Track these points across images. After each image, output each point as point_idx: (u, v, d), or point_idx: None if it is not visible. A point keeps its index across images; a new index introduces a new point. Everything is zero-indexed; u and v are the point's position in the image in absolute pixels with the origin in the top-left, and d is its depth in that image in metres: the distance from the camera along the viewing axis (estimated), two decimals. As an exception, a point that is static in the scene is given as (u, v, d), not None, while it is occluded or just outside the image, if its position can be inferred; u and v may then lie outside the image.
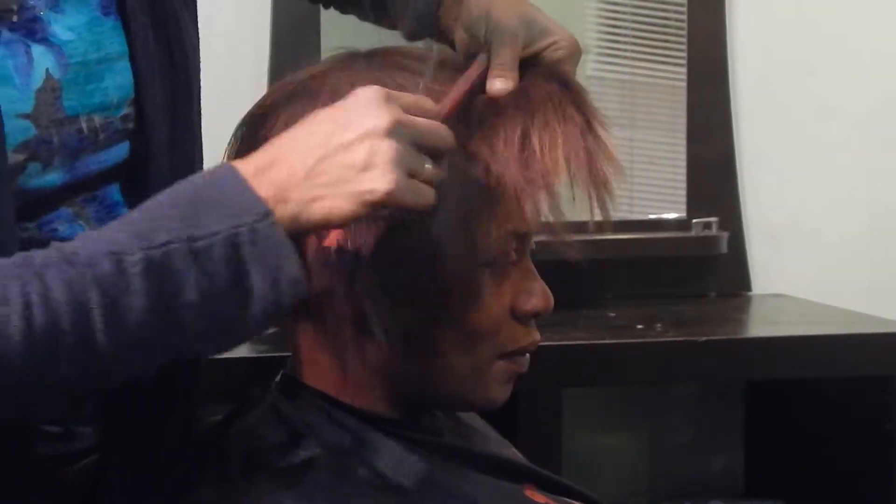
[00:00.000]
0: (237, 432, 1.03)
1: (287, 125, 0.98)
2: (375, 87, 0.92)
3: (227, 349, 0.94)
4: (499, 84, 1.01)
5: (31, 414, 0.96)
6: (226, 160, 1.03)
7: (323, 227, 0.89)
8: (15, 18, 0.97)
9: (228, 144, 1.07)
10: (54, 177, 0.98)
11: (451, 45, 1.10)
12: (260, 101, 1.06)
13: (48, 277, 0.84)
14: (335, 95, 0.99)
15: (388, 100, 0.91)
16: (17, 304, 0.83)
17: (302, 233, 0.89)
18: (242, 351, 1.51)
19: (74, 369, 0.85)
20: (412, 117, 0.91)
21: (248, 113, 1.07)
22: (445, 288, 0.98)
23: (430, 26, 1.11)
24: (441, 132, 0.93)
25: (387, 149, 0.88)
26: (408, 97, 0.94)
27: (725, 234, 2.01)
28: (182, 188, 0.89)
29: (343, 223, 0.90)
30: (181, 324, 0.87)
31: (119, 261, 0.85)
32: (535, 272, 1.04)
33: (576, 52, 1.07)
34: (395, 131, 0.89)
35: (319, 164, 0.88)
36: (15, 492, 0.99)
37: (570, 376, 1.61)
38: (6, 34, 0.95)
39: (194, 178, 0.90)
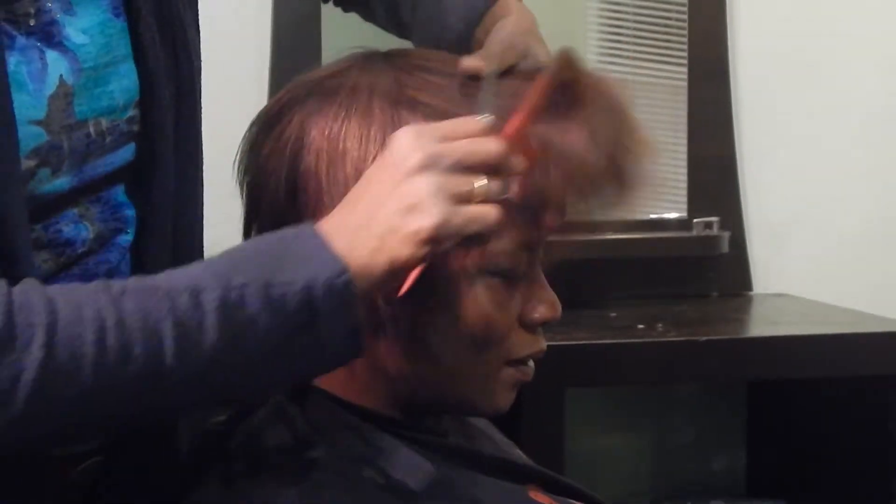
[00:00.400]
0: (242, 432, 1.02)
1: (302, 123, 0.98)
2: (406, 127, 0.93)
3: (276, 393, 0.99)
4: (468, 61, 1.02)
5: (78, 437, 0.98)
6: (238, 158, 1.04)
7: (391, 274, 0.90)
8: (32, 22, 0.97)
9: (242, 141, 1.06)
10: (63, 181, 0.98)
11: None
12: (275, 99, 1.05)
13: (125, 303, 0.86)
14: (353, 94, 0.99)
15: (419, 136, 0.91)
16: (92, 325, 0.85)
17: (375, 284, 0.90)
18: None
19: (137, 396, 0.87)
20: (449, 143, 0.91)
21: (262, 111, 1.06)
22: (458, 297, 0.98)
23: (463, 44, 1.12)
24: (483, 146, 0.92)
25: (424, 184, 0.89)
26: (445, 125, 0.93)
27: (727, 234, 2.01)
28: (266, 238, 0.92)
29: (408, 267, 0.90)
30: (246, 364, 0.88)
31: (196, 296, 0.87)
32: (544, 280, 1.04)
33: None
34: (430, 164, 0.90)
35: (375, 215, 0.90)
36: (21, 493, 0.99)
37: (572, 376, 1.61)
38: (21, 40, 0.95)
39: (280, 232, 0.92)
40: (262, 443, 1.00)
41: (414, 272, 0.92)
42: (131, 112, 1.02)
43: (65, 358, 0.84)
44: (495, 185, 0.92)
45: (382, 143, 0.96)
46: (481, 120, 0.94)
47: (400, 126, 0.96)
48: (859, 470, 1.79)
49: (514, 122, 0.95)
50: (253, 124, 1.05)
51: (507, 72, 1.04)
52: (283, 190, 1.00)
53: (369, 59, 1.04)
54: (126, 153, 1.03)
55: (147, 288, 0.88)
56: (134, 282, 0.89)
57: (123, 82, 1.02)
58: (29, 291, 0.86)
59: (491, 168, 0.92)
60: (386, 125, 0.98)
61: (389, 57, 1.04)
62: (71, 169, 0.98)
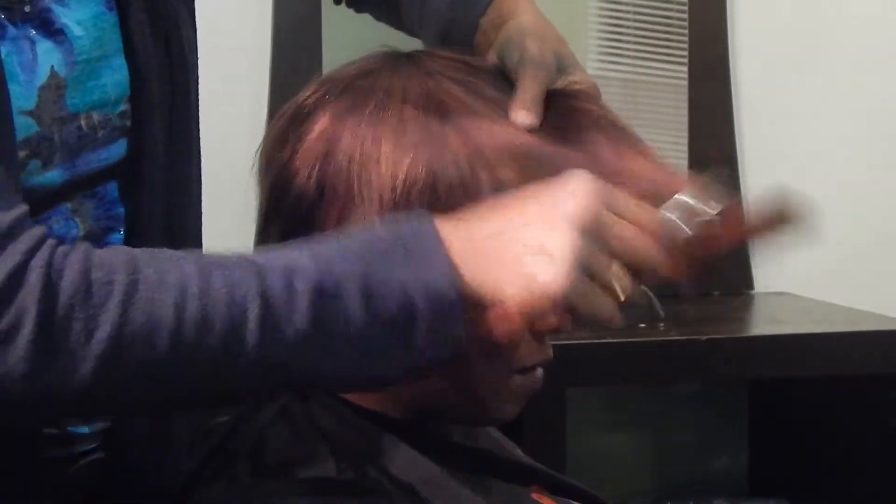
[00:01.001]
0: (246, 433, 1.02)
1: (333, 122, 0.96)
2: (589, 177, 0.87)
3: (357, 390, 0.95)
4: (523, 116, 0.98)
5: (135, 412, 0.95)
6: (259, 152, 1.02)
7: (487, 302, 0.85)
8: (27, 9, 0.96)
9: (264, 138, 1.04)
10: (54, 175, 0.98)
11: None
12: (302, 96, 1.02)
13: (213, 275, 0.82)
14: (387, 98, 0.97)
15: (599, 195, 0.85)
16: (174, 291, 0.81)
17: (476, 300, 0.85)
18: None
19: (209, 375, 0.83)
20: (621, 225, 0.85)
21: (287, 107, 1.02)
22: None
23: (469, 37, 1.09)
24: (647, 254, 0.86)
25: (575, 242, 0.83)
26: (628, 202, 0.87)
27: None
28: (379, 230, 0.88)
29: (504, 308, 0.85)
30: (332, 355, 0.84)
31: (290, 278, 0.83)
32: None
33: (595, 92, 1.04)
34: (592, 229, 0.84)
35: (506, 240, 0.85)
36: (21, 493, 0.99)
37: (573, 376, 1.61)
38: (12, 31, 0.95)
39: (393, 225, 0.88)
40: (266, 443, 1.00)
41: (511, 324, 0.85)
42: (123, 107, 1.02)
43: (141, 321, 0.80)
44: (630, 286, 0.85)
45: (417, 149, 0.95)
46: (664, 223, 0.87)
47: (434, 136, 0.95)
48: (861, 468, 1.79)
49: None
50: (278, 119, 1.02)
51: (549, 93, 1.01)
52: (311, 190, 0.97)
53: (398, 61, 1.02)
54: (119, 148, 1.02)
55: (238, 261, 0.84)
56: (225, 255, 0.85)
57: (115, 76, 1.01)
58: (112, 250, 0.83)
59: (638, 270, 0.86)
60: (418, 133, 0.96)
61: (416, 59, 1.02)
62: (63, 162, 0.98)
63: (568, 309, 0.85)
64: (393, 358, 0.86)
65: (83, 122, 0.99)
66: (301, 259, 0.84)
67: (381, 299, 0.84)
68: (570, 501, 1.10)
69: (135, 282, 0.81)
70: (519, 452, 1.17)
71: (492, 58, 1.06)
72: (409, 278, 0.84)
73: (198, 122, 1.09)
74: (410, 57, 1.02)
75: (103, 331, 0.80)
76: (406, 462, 0.99)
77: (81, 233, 1.00)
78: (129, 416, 0.97)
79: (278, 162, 1.00)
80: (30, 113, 0.95)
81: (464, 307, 0.85)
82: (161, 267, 0.82)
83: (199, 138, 1.09)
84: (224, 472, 1.00)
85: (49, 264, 0.80)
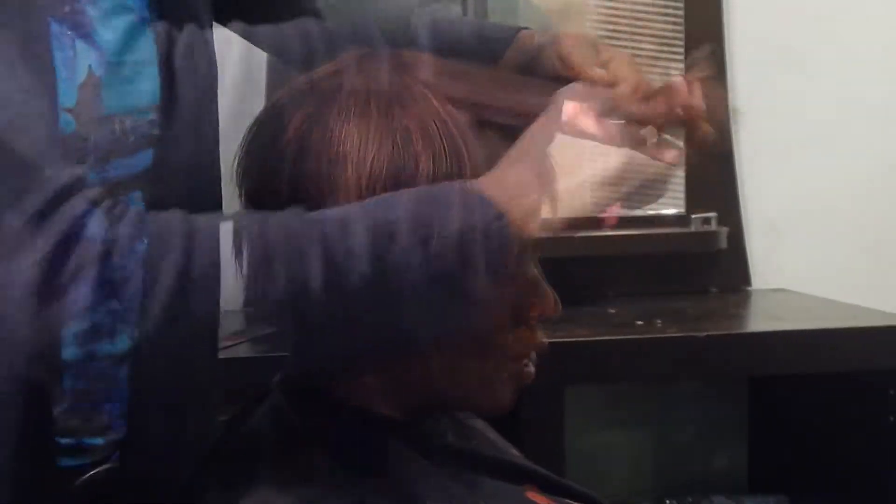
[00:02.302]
0: (239, 433, 1.02)
1: (302, 127, 0.97)
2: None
3: (429, 337, 0.93)
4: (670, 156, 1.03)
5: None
6: (235, 163, 1.03)
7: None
8: (67, 9, 0.97)
9: (239, 147, 1.05)
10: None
11: None
12: (272, 102, 1.04)
13: (269, 225, 0.85)
14: (351, 96, 0.98)
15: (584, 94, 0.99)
16: (232, 237, 0.84)
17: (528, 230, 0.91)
18: (242, 351, 1.51)
19: (286, 313, 0.85)
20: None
21: (259, 115, 1.04)
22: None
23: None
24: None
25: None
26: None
27: (725, 230, 2.01)
28: (422, 188, 0.92)
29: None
30: (398, 302, 0.86)
31: (345, 225, 0.86)
32: (540, 277, 1.04)
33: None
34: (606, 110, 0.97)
35: (524, 160, 0.93)
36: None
37: (571, 374, 1.61)
38: (55, 26, 0.96)
39: (434, 185, 0.93)
40: (260, 445, 1.00)
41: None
42: (152, 115, 1.02)
43: (202, 269, 0.82)
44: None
45: (380, 144, 0.96)
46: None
47: (396, 131, 0.96)
48: (860, 464, 1.79)
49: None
50: (251, 128, 1.04)
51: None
52: (286, 195, 0.97)
53: (365, 60, 1.03)
54: (145, 158, 1.03)
55: (292, 215, 0.87)
56: (276, 213, 0.88)
57: (147, 84, 1.02)
58: (169, 212, 0.86)
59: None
60: (382, 126, 0.97)
61: (384, 57, 1.04)
62: (94, 165, 0.98)
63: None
64: (453, 297, 0.88)
65: (116, 126, 1.00)
66: (352, 210, 0.89)
67: (440, 242, 0.87)
68: (565, 500, 1.10)
69: (193, 231, 0.85)
70: (514, 452, 1.17)
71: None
72: (459, 219, 0.88)
73: (218, 129, 1.10)
74: (379, 55, 1.03)
75: (166, 278, 0.82)
76: (401, 462, 0.99)
77: None
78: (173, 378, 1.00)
79: (254, 169, 1.01)
80: (70, 111, 0.96)
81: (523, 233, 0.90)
82: (215, 219, 0.86)
83: (219, 149, 1.10)
84: (218, 475, 1.00)
85: (108, 214, 0.84)
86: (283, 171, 0.98)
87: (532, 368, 1.05)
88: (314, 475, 0.97)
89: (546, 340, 1.05)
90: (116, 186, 1.01)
